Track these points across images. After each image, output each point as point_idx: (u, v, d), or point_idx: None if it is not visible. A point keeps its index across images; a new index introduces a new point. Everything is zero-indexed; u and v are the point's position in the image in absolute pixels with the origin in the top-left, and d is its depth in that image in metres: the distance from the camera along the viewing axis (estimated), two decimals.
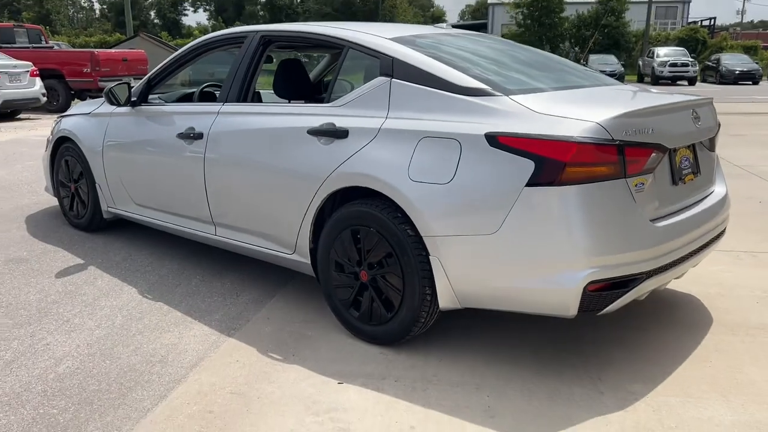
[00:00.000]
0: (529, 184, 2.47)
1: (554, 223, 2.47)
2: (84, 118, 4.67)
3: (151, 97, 4.24)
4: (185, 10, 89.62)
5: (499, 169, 2.54)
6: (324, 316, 3.30)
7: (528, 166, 2.48)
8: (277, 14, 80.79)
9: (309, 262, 3.24)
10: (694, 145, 3.01)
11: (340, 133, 3.01)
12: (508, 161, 2.52)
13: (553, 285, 2.50)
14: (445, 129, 2.70)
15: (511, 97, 2.70)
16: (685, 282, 3.64)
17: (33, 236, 4.72)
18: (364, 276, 2.97)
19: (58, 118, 5.01)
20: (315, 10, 39.75)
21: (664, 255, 2.66)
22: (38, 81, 12.78)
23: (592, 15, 37.47)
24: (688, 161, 2.93)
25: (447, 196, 2.66)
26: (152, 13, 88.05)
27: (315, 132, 3.10)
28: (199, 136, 3.66)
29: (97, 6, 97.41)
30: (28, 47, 15.26)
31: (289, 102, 3.79)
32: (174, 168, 3.85)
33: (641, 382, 2.69)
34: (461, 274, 2.68)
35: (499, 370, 2.80)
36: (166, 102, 4.31)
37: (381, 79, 3.00)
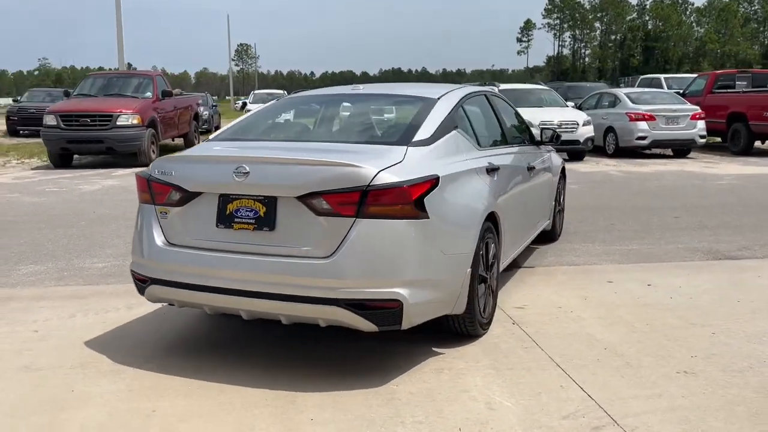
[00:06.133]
0: None
1: None
2: None
3: None
4: None
5: None
6: None
7: None
8: None
9: None
10: (273, 201, 3.20)
11: None
12: None
13: None
14: None
15: (209, 141, 3.93)
16: None
17: None
18: None
19: None
20: None
21: (173, 272, 3.35)
22: (699, 124, 13.74)
23: None
24: (251, 213, 3.24)
25: None
26: None
27: None
28: None
29: None
30: (748, 92, 15.76)
31: None
32: None
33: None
34: None
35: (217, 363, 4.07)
36: None
37: None
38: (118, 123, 12.33)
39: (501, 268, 4.36)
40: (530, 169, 4.93)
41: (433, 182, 3.25)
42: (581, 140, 13.40)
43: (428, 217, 3.17)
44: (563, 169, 6.43)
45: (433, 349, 3.63)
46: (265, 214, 3.17)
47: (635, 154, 14.63)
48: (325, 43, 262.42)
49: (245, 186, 3.19)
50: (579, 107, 16.15)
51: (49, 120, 12.39)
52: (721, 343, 3.70)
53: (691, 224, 7.20)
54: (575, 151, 13.77)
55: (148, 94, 13.66)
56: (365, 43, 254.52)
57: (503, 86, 15.11)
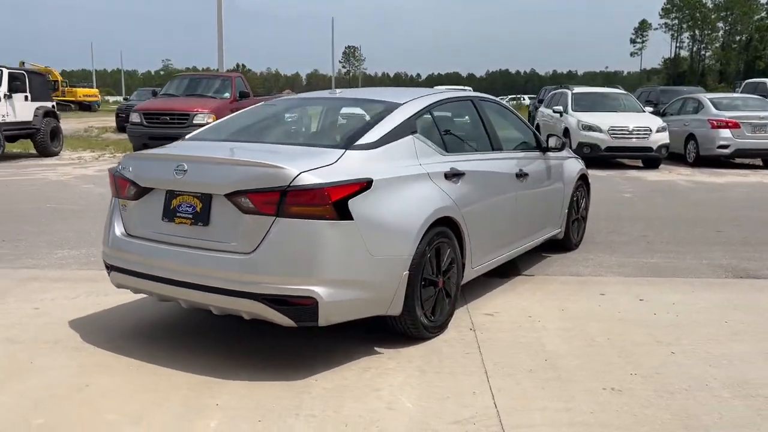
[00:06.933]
0: None
1: None
2: None
3: None
4: None
5: None
6: None
7: None
8: None
9: None
10: (209, 198, 3.43)
11: None
12: None
13: None
14: None
15: (184, 139, 4.23)
16: None
17: None
18: None
19: None
20: None
21: (128, 261, 3.67)
22: None
23: None
24: (190, 208, 3.49)
25: None
26: None
27: None
28: None
29: None
30: None
31: None
32: None
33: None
34: None
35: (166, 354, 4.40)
36: None
37: None
38: (194, 121, 13.10)
39: (472, 275, 4.37)
40: (522, 175, 4.86)
41: (362, 185, 3.34)
42: (654, 147, 12.78)
43: (352, 219, 3.26)
44: (584, 177, 6.24)
45: (375, 348, 3.71)
46: (201, 210, 3.39)
47: (719, 163, 13.77)
48: (432, 45, 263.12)
49: (184, 183, 3.43)
50: (662, 113, 15.41)
51: (134, 117, 13.39)
52: (673, 363, 3.54)
53: (732, 239, 6.78)
54: (649, 159, 13.16)
55: (227, 94, 14.42)
56: (473, 44, 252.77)
57: (577, 89, 14.69)
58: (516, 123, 5.42)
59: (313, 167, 3.27)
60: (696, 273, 5.50)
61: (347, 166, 3.40)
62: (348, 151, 3.51)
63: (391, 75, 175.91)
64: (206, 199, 3.38)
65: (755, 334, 4.01)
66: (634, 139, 12.69)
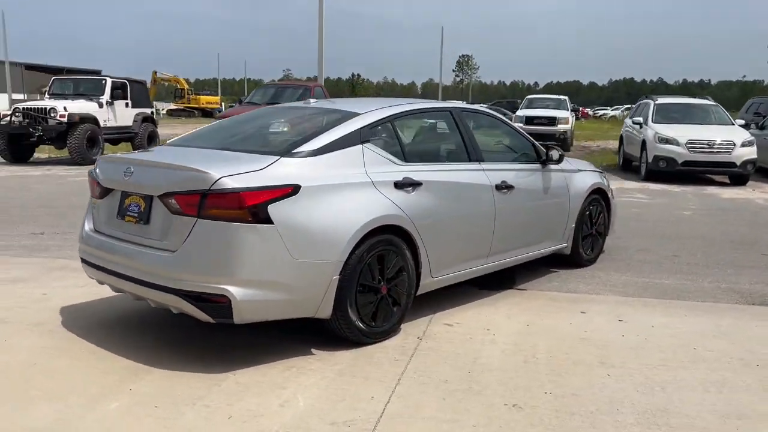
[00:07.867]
0: None
1: None
2: None
3: None
4: None
5: None
6: None
7: None
8: None
9: None
10: (150, 199, 3.74)
11: None
12: None
13: None
14: None
15: (165, 144, 4.59)
16: None
17: None
18: None
19: None
20: None
21: (93, 255, 4.03)
22: None
23: None
24: (137, 207, 3.82)
25: None
26: None
27: None
28: None
29: None
30: None
31: None
32: None
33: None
34: None
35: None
36: None
37: None
38: None
39: (435, 285, 4.40)
40: (505, 187, 4.80)
41: (286, 191, 3.50)
42: (737, 163, 11.92)
43: (272, 223, 3.43)
44: (599, 191, 6.01)
45: (311, 349, 3.84)
46: (144, 210, 3.69)
47: None
48: (552, 52, 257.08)
49: (130, 184, 3.74)
50: (761, 125, 14.34)
51: None
52: (600, 385, 3.41)
53: None
54: (733, 175, 12.28)
55: None
56: (595, 50, 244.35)
57: (661, 100, 13.96)
58: (512, 135, 5.36)
59: (236, 172, 3.46)
60: (704, 297, 5.17)
61: (276, 172, 3.57)
62: (283, 158, 3.67)
63: (507, 83, 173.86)
64: (148, 199, 3.67)
65: (715, 364, 3.75)
66: (714, 154, 11.90)
